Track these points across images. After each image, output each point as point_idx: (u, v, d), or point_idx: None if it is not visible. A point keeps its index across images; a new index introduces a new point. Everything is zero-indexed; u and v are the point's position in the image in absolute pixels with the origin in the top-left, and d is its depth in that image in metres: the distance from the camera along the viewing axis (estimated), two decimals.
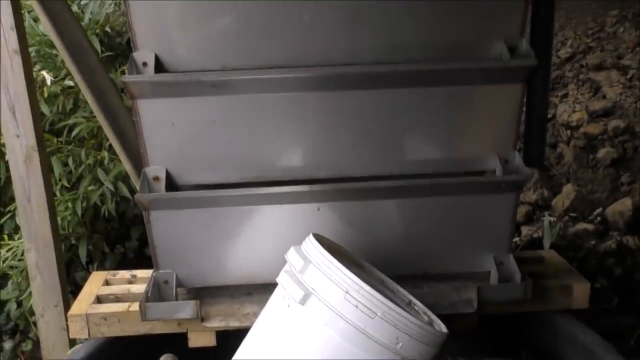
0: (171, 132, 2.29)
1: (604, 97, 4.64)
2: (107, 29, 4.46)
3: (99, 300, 2.58)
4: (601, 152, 4.37)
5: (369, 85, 2.32)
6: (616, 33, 4.99)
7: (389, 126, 2.39)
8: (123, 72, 4.66)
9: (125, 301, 2.55)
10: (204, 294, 2.49)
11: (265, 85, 2.27)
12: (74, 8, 3.90)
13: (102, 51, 4.11)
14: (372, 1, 2.23)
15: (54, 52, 3.65)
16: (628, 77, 4.67)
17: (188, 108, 2.26)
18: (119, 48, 4.96)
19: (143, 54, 2.21)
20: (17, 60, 2.74)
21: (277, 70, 2.25)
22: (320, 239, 2.08)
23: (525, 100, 2.47)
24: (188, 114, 2.28)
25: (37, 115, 2.88)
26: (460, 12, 2.29)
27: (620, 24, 5.01)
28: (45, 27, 3.09)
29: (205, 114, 2.29)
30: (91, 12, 4.00)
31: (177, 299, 2.42)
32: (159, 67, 2.23)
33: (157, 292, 2.41)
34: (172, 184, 2.35)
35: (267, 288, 2.32)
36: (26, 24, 3.41)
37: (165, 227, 2.37)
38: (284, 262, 2.08)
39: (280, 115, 2.33)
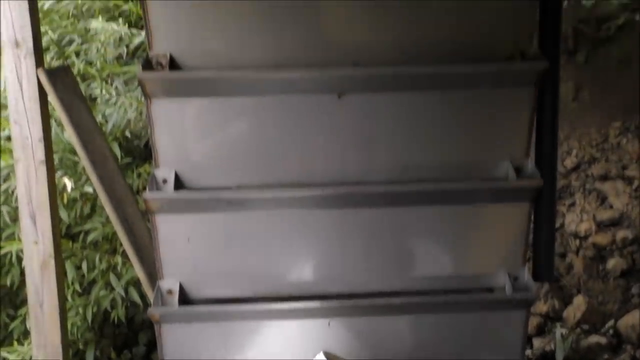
0: (187, 247, 2.35)
1: (611, 207, 4.70)
2: (127, 133, 4.63)
3: None
4: (610, 263, 4.39)
5: (380, 204, 2.39)
6: (620, 144, 5.13)
7: (399, 244, 2.45)
8: (139, 175, 4.81)
9: None
10: None
11: (280, 202, 2.35)
12: (99, 117, 4.07)
13: (121, 157, 4.25)
14: (384, 125, 2.35)
15: (76, 158, 3.78)
16: (633, 187, 4.75)
17: (204, 224, 2.34)
18: (136, 150, 5.13)
19: (164, 172, 2.31)
20: (43, 170, 2.85)
21: (293, 189, 2.34)
22: (329, 357, 2.08)
23: (533, 216, 2.53)
24: (204, 229, 2.35)
25: (56, 223, 2.95)
26: (467, 134, 2.40)
27: (623, 135, 5.16)
28: (70, 137, 3.23)
29: (221, 230, 2.36)
30: (114, 121, 4.16)
31: None
32: (178, 183, 2.32)
33: None
34: (184, 298, 2.38)
35: None
36: (52, 132, 3.57)
37: (177, 340, 2.38)
38: None
39: (294, 231, 2.40)
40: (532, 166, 2.43)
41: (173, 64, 2.21)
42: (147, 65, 2.15)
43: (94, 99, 4.62)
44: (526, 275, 2.49)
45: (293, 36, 2.23)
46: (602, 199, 4.80)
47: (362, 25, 2.27)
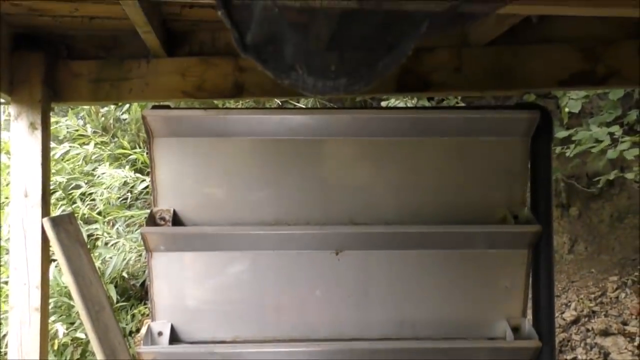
0: None
1: None
2: (125, 273, 4.64)
3: None
4: None
5: None
6: (618, 298, 5.10)
7: None
8: (133, 317, 4.75)
9: None
10: None
11: (275, 358, 2.32)
12: (98, 262, 4.10)
13: (117, 300, 4.23)
14: (380, 281, 2.38)
15: (72, 302, 3.76)
16: (635, 344, 4.66)
17: None
18: (133, 290, 5.10)
19: (160, 325, 2.31)
20: (36, 316, 2.82)
21: (288, 344, 2.32)
22: None
23: None
24: None
25: None
26: (463, 293, 2.43)
27: (621, 289, 5.14)
28: (67, 283, 3.23)
29: None
30: (113, 264, 4.19)
31: None
32: (173, 336, 2.31)
33: None
34: None
35: None
36: (50, 276, 3.58)
37: None
38: None
39: None
40: (530, 326, 2.42)
41: (176, 219, 2.28)
42: (151, 220, 2.22)
43: (97, 239, 4.68)
44: None
45: (293, 195, 2.32)
46: (605, 355, 4.69)
47: (361, 186, 2.37)
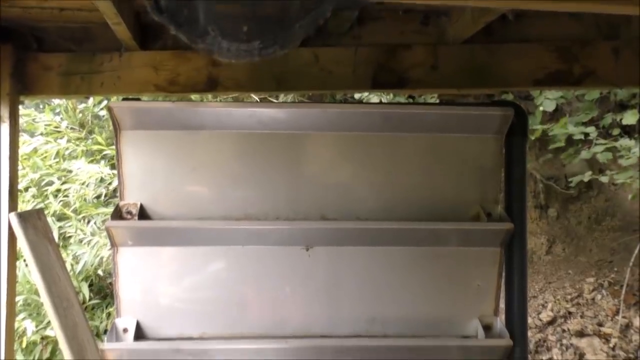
0: None
1: None
2: (100, 271, 4.56)
3: None
4: None
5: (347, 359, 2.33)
6: (594, 300, 5.12)
7: None
8: (109, 315, 4.67)
9: None
10: None
11: (243, 354, 2.28)
12: (69, 259, 4.03)
13: (90, 297, 4.17)
14: (351, 278, 2.35)
15: (41, 300, 3.69)
16: (610, 345, 4.67)
17: None
18: (108, 288, 5.02)
19: (125, 321, 2.26)
20: (2, 314, 2.76)
21: (256, 341, 2.29)
22: None
23: None
24: None
25: None
26: (434, 290, 2.41)
27: (597, 291, 5.16)
28: (34, 279, 3.16)
29: None
30: (86, 261, 4.12)
31: None
32: (139, 333, 2.26)
33: None
34: None
35: None
36: (20, 273, 3.51)
37: None
38: None
39: None
40: (502, 325, 2.41)
41: (143, 214, 2.23)
42: (117, 214, 2.17)
43: (69, 237, 4.60)
44: None
45: (263, 189, 2.29)
46: (580, 356, 4.70)
47: (333, 181, 2.35)
